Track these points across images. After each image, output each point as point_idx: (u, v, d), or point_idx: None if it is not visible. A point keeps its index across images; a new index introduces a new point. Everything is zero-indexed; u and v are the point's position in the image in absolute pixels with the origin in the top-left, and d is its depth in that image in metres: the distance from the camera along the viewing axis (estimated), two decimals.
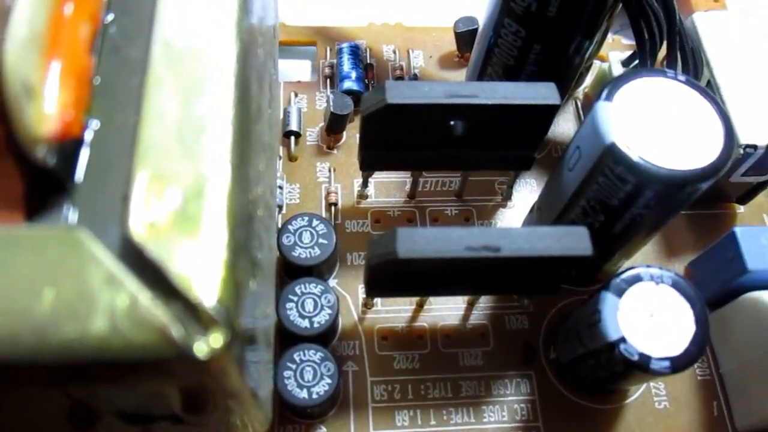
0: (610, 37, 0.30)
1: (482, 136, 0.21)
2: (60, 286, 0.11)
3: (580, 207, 0.20)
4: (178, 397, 0.13)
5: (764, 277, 0.22)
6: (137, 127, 0.12)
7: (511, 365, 0.23)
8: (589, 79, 0.29)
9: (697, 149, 0.17)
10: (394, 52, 0.29)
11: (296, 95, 0.28)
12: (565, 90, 0.25)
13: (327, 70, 0.28)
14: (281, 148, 0.26)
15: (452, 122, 0.21)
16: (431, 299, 0.23)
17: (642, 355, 0.18)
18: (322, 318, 0.21)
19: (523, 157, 0.22)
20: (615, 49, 0.29)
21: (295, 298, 0.21)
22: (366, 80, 0.28)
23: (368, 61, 0.29)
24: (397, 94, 0.19)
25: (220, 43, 0.13)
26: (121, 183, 0.12)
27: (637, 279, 0.19)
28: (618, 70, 0.26)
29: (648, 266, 0.20)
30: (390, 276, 0.19)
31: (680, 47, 0.23)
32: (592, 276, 0.24)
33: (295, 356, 0.20)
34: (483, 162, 0.22)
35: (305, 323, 0.21)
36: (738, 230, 0.22)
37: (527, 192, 0.27)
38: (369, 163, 0.22)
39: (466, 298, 0.24)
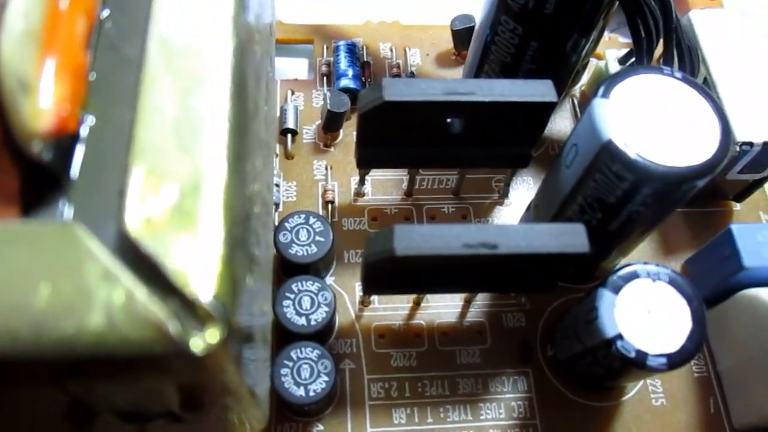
0: (606, 35, 0.30)
1: (479, 133, 0.21)
2: (56, 282, 0.11)
3: (577, 204, 0.20)
4: (176, 395, 0.13)
5: (761, 274, 0.22)
6: (133, 123, 0.12)
7: (509, 363, 0.23)
8: (586, 77, 0.29)
9: (693, 146, 0.18)
10: (391, 50, 0.29)
11: (293, 93, 0.28)
12: (562, 87, 0.25)
13: (324, 68, 0.28)
14: (278, 145, 0.26)
15: (449, 120, 0.21)
16: (428, 297, 0.23)
17: (639, 352, 0.18)
18: (319, 316, 0.21)
19: (520, 155, 0.22)
20: (612, 47, 0.29)
21: (292, 296, 0.21)
22: (363, 78, 0.28)
23: (365, 59, 0.29)
24: (395, 91, 0.19)
25: (216, 39, 0.13)
26: (117, 178, 0.12)
27: (634, 276, 0.19)
28: (615, 67, 0.26)
29: (645, 263, 0.20)
30: (387, 273, 0.19)
31: (677, 45, 0.23)
32: (589, 273, 0.24)
33: (292, 354, 0.20)
34: (480, 159, 0.22)
35: (302, 321, 0.21)
36: (734, 227, 0.22)
37: (524, 190, 0.27)
38: (366, 161, 0.22)
39: (463, 295, 0.24)
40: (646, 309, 0.19)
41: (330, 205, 0.25)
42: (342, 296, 0.24)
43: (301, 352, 0.20)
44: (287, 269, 0.23)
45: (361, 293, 0.23)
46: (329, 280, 0.24)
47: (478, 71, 0.25)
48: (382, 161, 0.22)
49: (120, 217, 0.11)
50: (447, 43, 0.29)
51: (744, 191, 0.26)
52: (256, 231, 0.15)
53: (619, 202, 0.18)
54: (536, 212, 0.23)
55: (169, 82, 0.13)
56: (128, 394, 0.13)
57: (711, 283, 0.23)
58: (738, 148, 0.23)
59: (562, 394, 0.23)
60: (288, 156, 0.26)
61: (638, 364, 0.18)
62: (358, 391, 0.22)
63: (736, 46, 0.25)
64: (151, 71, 0.13)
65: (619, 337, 0.18)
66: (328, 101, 0.25)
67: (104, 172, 0.12)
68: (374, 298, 0.23)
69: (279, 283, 0.22)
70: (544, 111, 0.20)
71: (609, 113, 0.18)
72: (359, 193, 0.26)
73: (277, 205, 0.25)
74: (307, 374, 0.20)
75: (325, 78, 0.28)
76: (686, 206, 0.26)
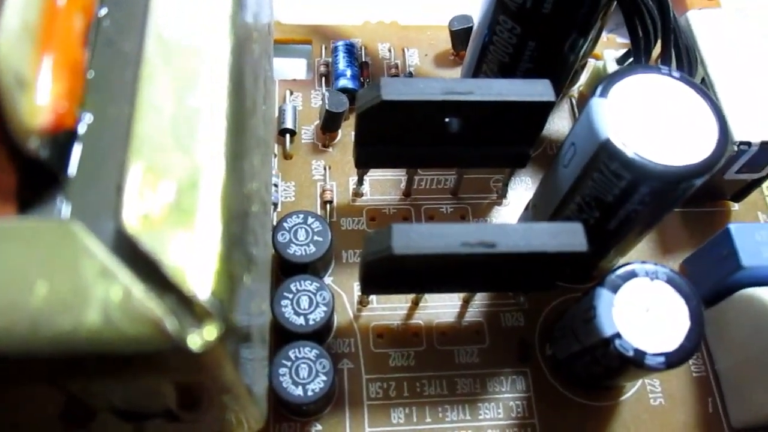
0: (604, 35, 0.30)
1: (477, 133, 0.21)
2: (53, 279, 0.11)
3: (576, 203, 0.20)
4: (173, 393, 0.13)
5: (759, 273, 0.22)
6: (131, 120, 0.12)
7: (507, 362, 0.23)
8: (583, 78, 0.29)
9: (691, 145, 0.18)
10: (390, 51, 0.29)
11: (291, 93, 0.28)
12: (560, 87, 0.25)
13: (322, 69, 0.28)
14: (276, 145, 0.26)
15: (447, 119, 0.21)
16: (426, 296, 0.23)
17: (637, 351, 0.18)
18: (318, 315, 0.21)
19: (518, 155, 0.22)
20: (610, 47, 0.29)
21: (291, 296, 0.21)
22: (361, 78, 0.28)
23: (363, 60, 0.29)
24: (392, 90, 0.19)
25: (214, 37, 0.13)
26: (115, 175, 0.12)
27: (632, 275, 0.19)
28: (613, 68, 0.26)
29: (643, 262, 0.20)
30: (385, 273, 0.19)
31: (674, 45, 0.23)
32: (588, 273, 0.24)
33: (291, 353, 0.20)
34: (478, 159, 0.22)
35: (300, 320, 0.21)
36: (732, 227, 0.22)
37: (522, 189, 0.27)
38: (364, 161, 0.22)
39: (461, 295, 0.24)
40: (644, 308, 0.19)
41: (328, 205, 0.25)
42: (340, 296, 0.24)
43: (300, 352, 0.20)
44: (286, 269, 0.23)
45: (360, 293, 0.23)
46: (327, 279, 0.24)
47: (477, 71, 0.25)
48: (381, 161, 0.22)
49: (117, 214, 0.11)
50: (445, 43, 0.29)
51: (742, 191, 0.26)
52: (254, 230, 0.15)
53: (617, 201, 0.18)
54: (534, 212, 0.23)
55: (167, 80, 0.13)
56: (125, 393, 0.13)
57: (709, 282, 0.23)
58: (736, 148, 0.23)
59: (561, 393, 0.23)
60: (286, 156, 0.26)
61: (636, 363, 0.18)
62: (357, 391, 0.22)
63: (733, 46, 0.25)
64: (149, 69, 0.13)
65: (618, 336, 0.18)
66: (327, 101, 0.25)
67: (102, 169, 0.12)
68: (372, 297, 0.23)
69: (277, 283, 0.22)
70: (542, 111, 0.20)
71: (607, 112, 0.18)
72: (358, 193, 0.26)
73: (275, 204, 0.25)
74: (305, 374, 0.20)
75: (323, 78, 0.28)
76: (684, 206, 0.26)
